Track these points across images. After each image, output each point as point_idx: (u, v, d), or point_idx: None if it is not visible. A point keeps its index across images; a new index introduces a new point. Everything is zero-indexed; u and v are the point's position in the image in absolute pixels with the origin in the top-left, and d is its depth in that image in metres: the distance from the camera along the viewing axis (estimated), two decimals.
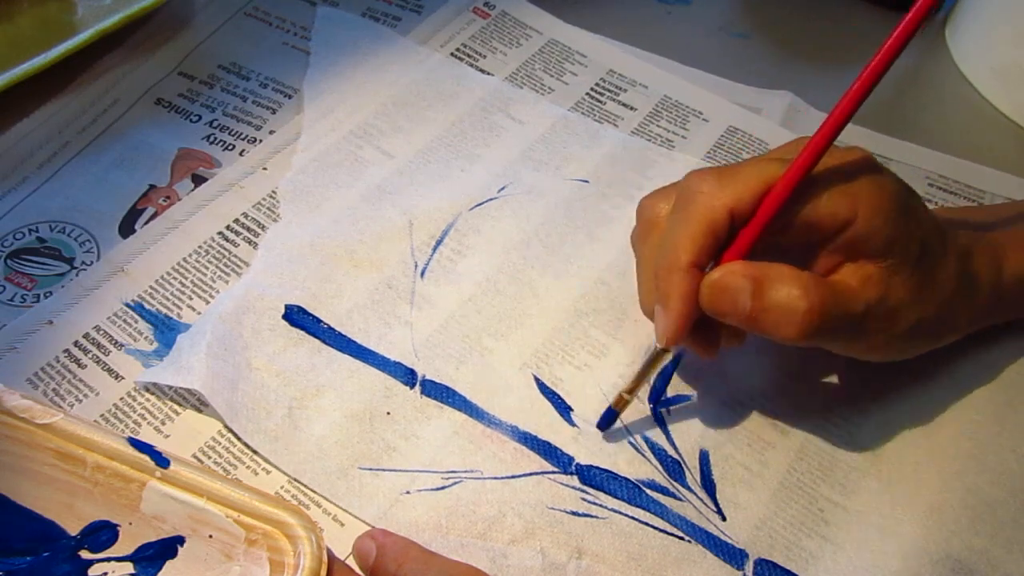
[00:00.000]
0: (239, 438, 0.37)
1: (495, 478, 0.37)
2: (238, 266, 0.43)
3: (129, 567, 0.33)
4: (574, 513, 0.36)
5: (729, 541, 0.36)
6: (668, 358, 0.37)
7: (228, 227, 0.45)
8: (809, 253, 0.36)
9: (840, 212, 0.34)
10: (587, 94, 0.53)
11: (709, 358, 0.37)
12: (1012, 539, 0.37)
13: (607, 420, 0.38)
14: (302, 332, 0.41)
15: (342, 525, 0.36)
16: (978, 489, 0.38)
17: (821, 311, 0.33)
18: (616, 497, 0.37)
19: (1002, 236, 0.40)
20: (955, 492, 0.38)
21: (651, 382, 0.40)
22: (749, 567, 0.36)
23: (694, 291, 0.34)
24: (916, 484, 0.38)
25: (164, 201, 0.46)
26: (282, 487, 0.36)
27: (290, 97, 0.51)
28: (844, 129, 0.33)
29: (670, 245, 0.34)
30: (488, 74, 0.53)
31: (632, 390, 0.37)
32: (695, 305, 0.34)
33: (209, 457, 0.37)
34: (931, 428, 0.40)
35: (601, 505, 0.37)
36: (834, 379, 0.41)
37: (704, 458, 0.38)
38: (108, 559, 0.33)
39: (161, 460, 0.33)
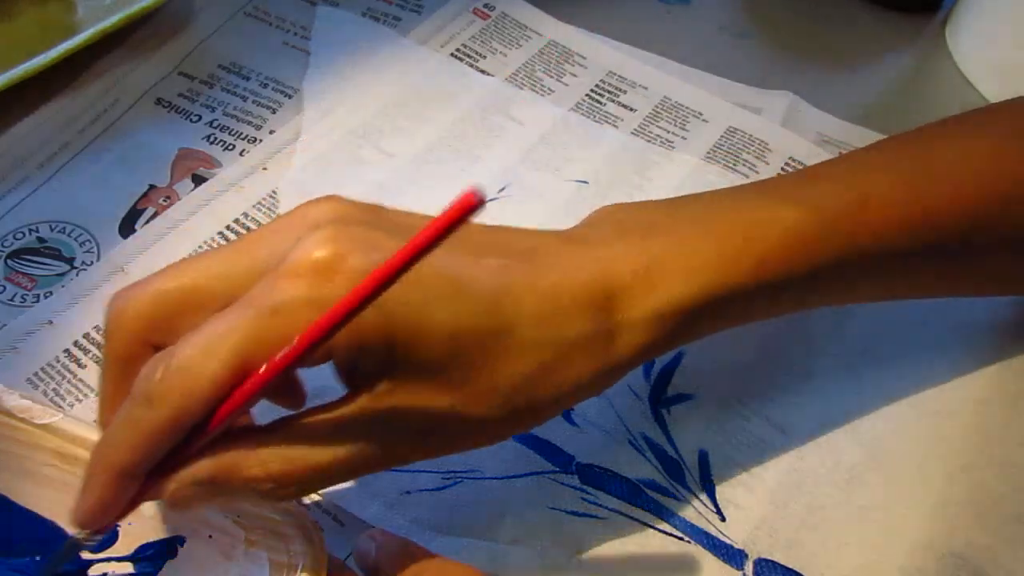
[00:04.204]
0: None
1: (495, 478, 0.37)
2: None
3: (129, 567, 0.33)
4: (574, 513, 0.36)
5: (728, 541, 0.36)
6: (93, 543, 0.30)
7: (228, 227, 0.45)
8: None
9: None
10: (587, 95, 0.53)
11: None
12: (1017, 535, 0.36)
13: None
14: None
15: (342, 525, 0.36)
16: (983, 484, 0.38)
17: (287, 487, 0.28)
18: (616, 497, 0.37)
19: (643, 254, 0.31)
20: (960, 487, 0.38)
21: (651, 380, 0.40)
22: (749, 567, 0.36)
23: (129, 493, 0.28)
24: (920, 479, 0.38)
25: (164, 201, 0.46)
26: None
27: (290, 97, 0.51)
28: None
29: (119, 440, 0.27)
30: (488, 75, 0.53)
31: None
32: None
33: None
34: (936, 422, 0.40)
35: (601, 505, 0.37)
36: (835, 378, 0.41)
37: (704, 458, 0.38)
38: (108, 559, 0.33)
39: None
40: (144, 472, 0.27)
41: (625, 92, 0.53)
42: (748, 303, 0.32)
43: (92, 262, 0.43)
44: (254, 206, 0.46)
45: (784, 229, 0.32)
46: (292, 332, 0.25)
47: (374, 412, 0.28)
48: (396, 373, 0.27)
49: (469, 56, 0.55)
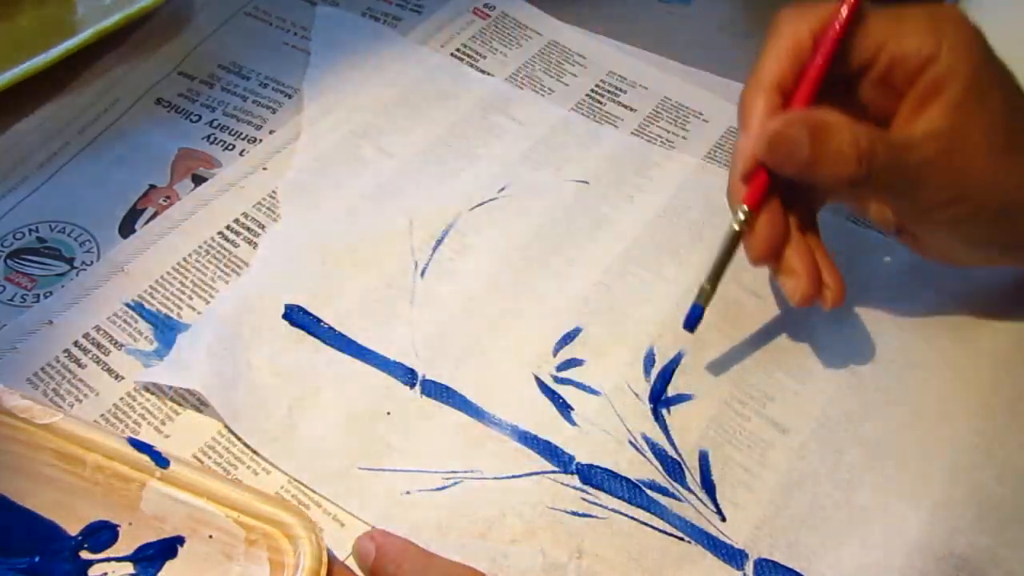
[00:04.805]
0: (239, 438, 0.37)
1: (495, 478, 0.37)
2: (238, 266, 0.43)
3: (129, 567, 0.33)
4: (574, 513, 0.36)
5: (728, 542, 0.36)
6: (742, 237, 0.37)
7: (228, 227, 0.45)
8: (886, 104, 0.37)
9: (924, 48, 0.35)
10: (587, 95, 0.53)
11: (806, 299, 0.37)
12: (1017, 537, 0.36)
13: (694, 318, 0.37)
14: (302, 332, 0.41)
15: (342, 525, 0.36)
16: (984, 485, 0.38)
17: (870, 158, 0.34)
18: (616, 497, 0.37)
19: None
20: (960, 488, 0.38)
21: (651, 380, 0.40)
22: (749, 567, 0.36)
23: (776, 112, 0.36)
24: (921, 480, 0.38)
25: (164, 201, 0.46)
26: (282, 487, 0.36)
27: (290, 97, 0.51)
28: None
29: (754, 71, 0.37)
30: (488, 75, 0.53)
31: (714, 279, 0.37)
32: None
33: (209, 457, 0.37)
34: (937, 423, 0.40)
35: (601, 505, 0.37)
36: (835, 378, 0.41)
37: (704, 458, 0.38)
38: (108, 559, 0.33)
39: (161, 460, 0.33)
40: (787, 87, 0.36)
41: (625, 92, 0.53)
42: None
43: (92, 262, 0.43)
44: (254, 206, 0.46)
45: None
46: None
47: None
48: None
49: (469, 56, 0.55)
